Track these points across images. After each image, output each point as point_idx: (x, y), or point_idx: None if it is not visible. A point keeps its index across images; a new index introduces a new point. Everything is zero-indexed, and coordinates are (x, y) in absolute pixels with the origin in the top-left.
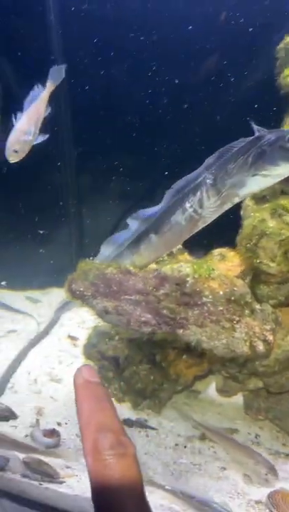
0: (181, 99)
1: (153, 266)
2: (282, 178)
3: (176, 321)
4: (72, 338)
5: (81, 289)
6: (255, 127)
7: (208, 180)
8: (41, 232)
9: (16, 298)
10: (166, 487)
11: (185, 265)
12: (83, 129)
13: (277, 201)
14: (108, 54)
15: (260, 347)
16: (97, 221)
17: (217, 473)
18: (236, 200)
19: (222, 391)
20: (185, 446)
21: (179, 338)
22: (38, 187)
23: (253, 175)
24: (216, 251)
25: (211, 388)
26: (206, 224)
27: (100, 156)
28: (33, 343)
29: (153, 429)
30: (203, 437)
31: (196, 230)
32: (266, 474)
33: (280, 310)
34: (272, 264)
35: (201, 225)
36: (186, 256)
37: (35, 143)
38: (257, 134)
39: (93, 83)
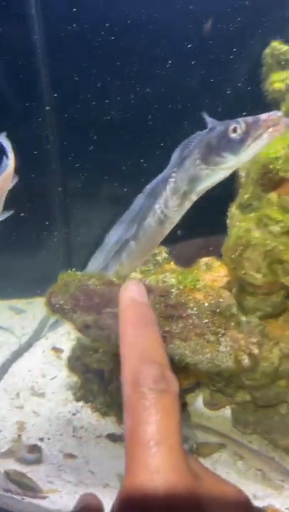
0: (178, 100)
1: (138, 276)
2: (232, 170)
3: None
4: (57, 350)
5: (61, 303)
6: (208, 119)
7: (170, 179)
8: None
9: None
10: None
11: (170, 276)
12: (70, 128)
13: (262, 210)
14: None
15: (246, 361)
16: (86, 227)
17: None
18: (194, 197)
19: (210, 404)
20: None
21: None
22: (21, 191)
23: (205, 169)
24: (203, 260)
25: (199, 401)
26: (173, 225)
27: (89, 157)
28: (15, 356)
29: None
30: (190, 452)
31: (166, 232)
32: (282, 481)
33: (267, 322)
34: (257, 276)
35: (168, 227)
36: (172, 265)
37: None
38: (210, 126)
39: (80, 79)
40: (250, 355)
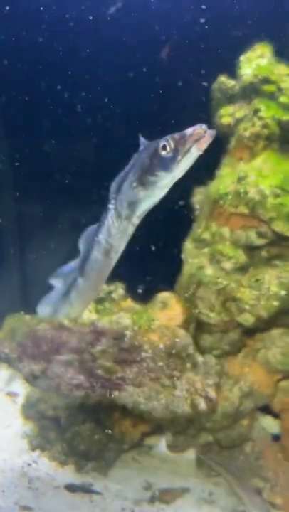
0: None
1: (93, 317)
2: (168, 187)
3: (111, 382)
4: (12, 394)
5: (6, 351)
6: (141, 140)
7: (110, 206)
8: None
9: None
10: None
11: (124, 316)
12: (22, 148)
13: (215, 246)
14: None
15: (202, 405)
16: (43, 256)
17: None
18: (136, 220)
19: (172, 447)
20: (132, 511)
21: (114, 401)
22: None
23: (142, 190)
24: (160, 296)
25: (162, 443)
26: (119, 254)
27: (45, 180)
28: None
29: (97, 493)
30: (152, 500)
31: (113, 263)
32: None
33: (226, 359)
34: (211, 314)
35: (114, 256)
36: (129, 302)
37: None
38: (141, 147)
39: (36, 105)
40: (207, 398)
